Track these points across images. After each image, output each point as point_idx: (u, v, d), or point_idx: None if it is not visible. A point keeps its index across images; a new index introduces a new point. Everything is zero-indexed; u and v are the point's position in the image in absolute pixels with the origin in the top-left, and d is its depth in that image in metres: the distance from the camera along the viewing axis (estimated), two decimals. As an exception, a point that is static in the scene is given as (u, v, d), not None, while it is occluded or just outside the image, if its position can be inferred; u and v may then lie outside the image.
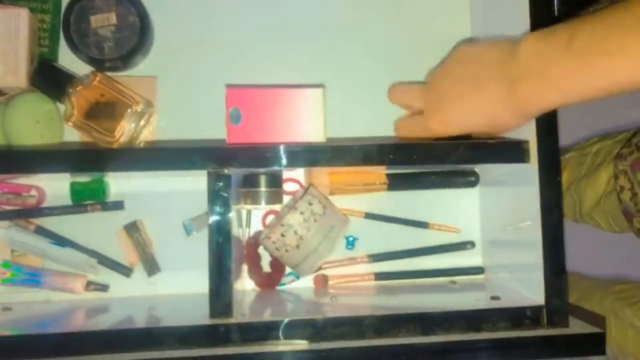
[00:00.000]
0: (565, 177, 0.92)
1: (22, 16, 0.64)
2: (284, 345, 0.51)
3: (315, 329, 0.52)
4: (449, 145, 0.55)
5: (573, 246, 0.59)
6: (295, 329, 0.52)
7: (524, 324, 0.55)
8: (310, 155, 0.54)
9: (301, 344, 0.51)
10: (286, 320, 0.52)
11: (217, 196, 0.54)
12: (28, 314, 0.62)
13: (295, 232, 0.60)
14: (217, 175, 0.54)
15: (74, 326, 0.56)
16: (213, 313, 0.53)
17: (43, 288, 0.65)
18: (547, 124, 0.55)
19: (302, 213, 0.60)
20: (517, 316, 0.55)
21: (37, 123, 0.62)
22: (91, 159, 0.55)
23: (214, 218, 0.54)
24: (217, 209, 0.54)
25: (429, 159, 0.56)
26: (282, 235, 0.60)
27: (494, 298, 0.59)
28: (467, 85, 0.51)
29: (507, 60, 0.48)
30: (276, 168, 0.56)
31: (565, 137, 0.67)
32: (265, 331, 0.52)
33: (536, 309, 0.55)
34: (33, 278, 0.64)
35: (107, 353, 0.50)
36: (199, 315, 0.55)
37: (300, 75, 0.69)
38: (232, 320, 0.52)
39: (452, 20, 0.71)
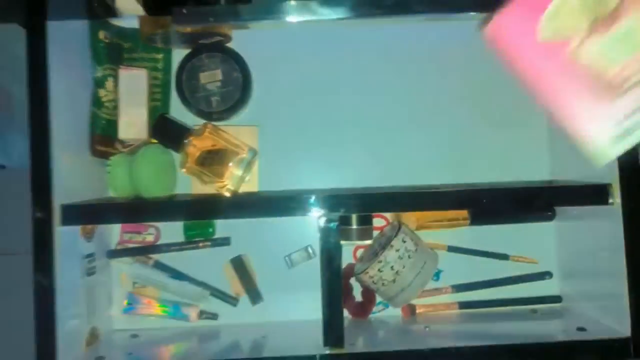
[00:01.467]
0: None
1: (141, 77, 0.73)
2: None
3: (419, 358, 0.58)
4: (533, 190, 0.61)
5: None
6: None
7: (611, 357, 0.59)
8: (416, 199, 0.60)
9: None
10: (394, 349, 0.58)
11: (328, 240, 0.60)
12: (153, 340, 0.70)
13: (392, 268, 0.66)
14: (328, 220, 0.60)
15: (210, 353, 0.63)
16: (327, 343, 0.59)
17: (163, 317, 0.73)
18: (630, 165, 0.60)
19: (397, 250, 0.66)
20: (605, 348, 0.59)
21: (160, 172, 0.70)
22: (212, 209, 0.62)
23: (325, 258, 0.60)
24: (328, 250, 0.60)
25: (515, 203, 0.61)
26: (380, 271, 0.66)
27: (580, 329, 0.63)
28: None
29: None
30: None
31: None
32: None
33: (623, 341, 0.59)
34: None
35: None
36: (309, 344, 0.62)
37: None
38: (345, 351, 0.59)
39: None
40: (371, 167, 0.76)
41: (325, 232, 0.60)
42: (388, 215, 0.76)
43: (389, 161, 0.76)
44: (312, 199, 0.60)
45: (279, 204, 0.60)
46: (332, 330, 0.59)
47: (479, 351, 0.58)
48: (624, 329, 0.60)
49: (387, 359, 0.58)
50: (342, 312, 0.60)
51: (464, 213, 0.74)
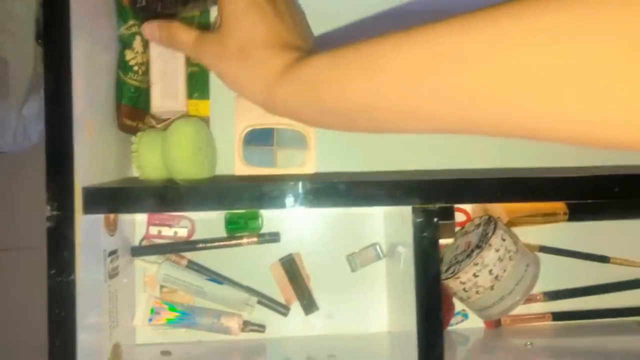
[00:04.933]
0: None
1: (177, 35, 0.60)
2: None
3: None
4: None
5: None
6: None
7: None
8: (517, 187, 0.48)
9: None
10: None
11: (423, 237, 0.48)
12: (187, 359, 0.57)
13: (490, 272, 0.54)
14: (423, 212, 0.48)
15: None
16: (424, 369, 0.47)
17: (198, 329, 0.60)
18: None
19: (497, 250, 0.54)
20: None
21: (199, 150, 0.57)
22: (266, 195, 0.49)
23: (420, 261, 0.48)
24: (424, 250, 0.48)
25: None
26: (475, 276, 0.54)
27: None
28: None
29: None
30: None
31: None
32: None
33: None
34: (187, 318, 0.60)
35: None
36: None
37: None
38: (447, 378, 0.46)
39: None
40: (444, 146, 0.63)
41: (419, 228, 0.48)
42: (468, 208, 0.64)
43: (465, 140, 0.64)
44: (406, 185, 0.47)
45: (361, 190, 0.47)
46: (432, 352, 0.47)
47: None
48: None
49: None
50: (442, 329, 0.47)
51: (562, 207, 0.62)
